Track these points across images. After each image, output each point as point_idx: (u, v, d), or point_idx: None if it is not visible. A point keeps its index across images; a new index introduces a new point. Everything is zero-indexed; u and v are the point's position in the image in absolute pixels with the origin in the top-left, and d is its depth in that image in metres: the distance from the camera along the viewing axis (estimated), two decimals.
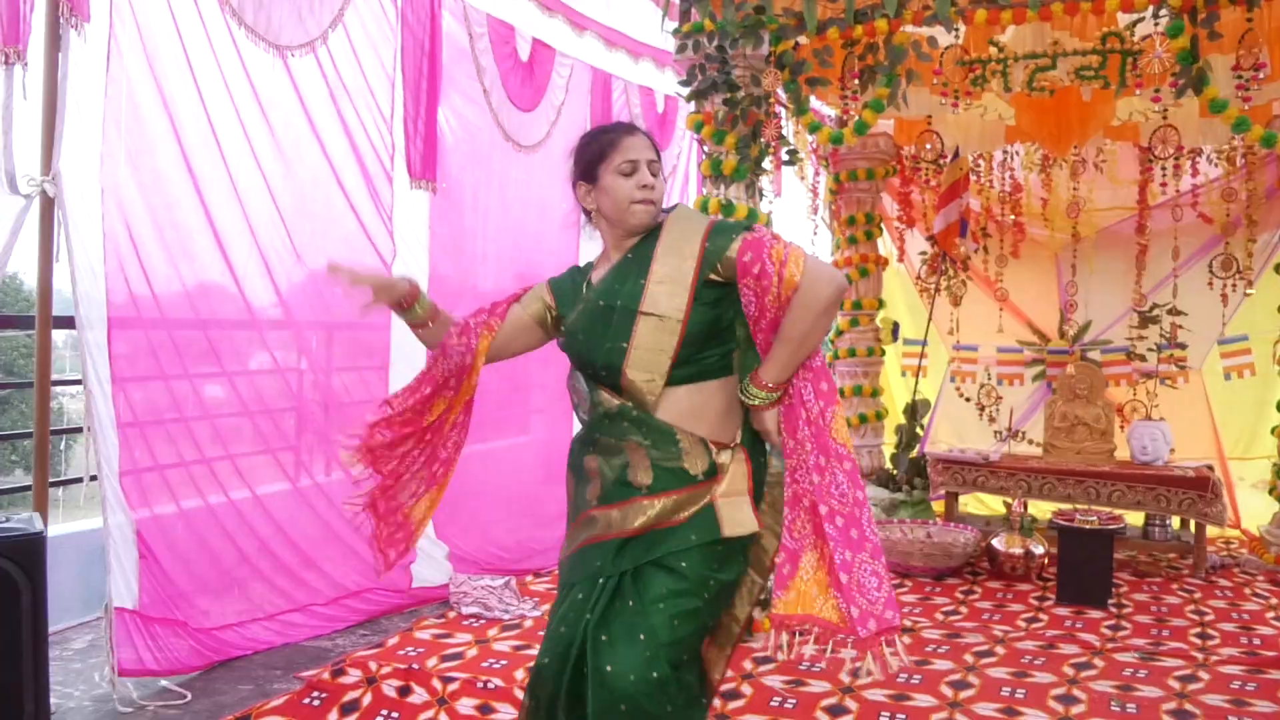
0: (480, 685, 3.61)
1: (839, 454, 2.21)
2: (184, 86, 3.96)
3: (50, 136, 3.53)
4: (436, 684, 3.61)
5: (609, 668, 2.21)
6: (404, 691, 3.60)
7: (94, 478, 3.73)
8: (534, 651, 3.96)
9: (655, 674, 2.20)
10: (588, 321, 2.38)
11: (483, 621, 4.50)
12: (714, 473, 2.31)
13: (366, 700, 3.56)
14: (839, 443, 2.21)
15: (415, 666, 3.77)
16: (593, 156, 2.38)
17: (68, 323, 3.73)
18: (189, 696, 3.73)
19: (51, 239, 3.57)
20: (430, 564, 4.98)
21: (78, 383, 3.75)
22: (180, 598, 3.97)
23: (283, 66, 4.29)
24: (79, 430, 3.88)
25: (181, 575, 3.99)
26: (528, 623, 4.46)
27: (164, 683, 3.81)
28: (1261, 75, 4.22)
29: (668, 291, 2.29)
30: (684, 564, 2.27)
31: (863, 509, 2.21)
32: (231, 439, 4.30)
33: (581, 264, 2.57)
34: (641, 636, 2.22)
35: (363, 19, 4.64)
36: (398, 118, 4.85)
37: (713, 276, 2.29)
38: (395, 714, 3.48)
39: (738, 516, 2.31)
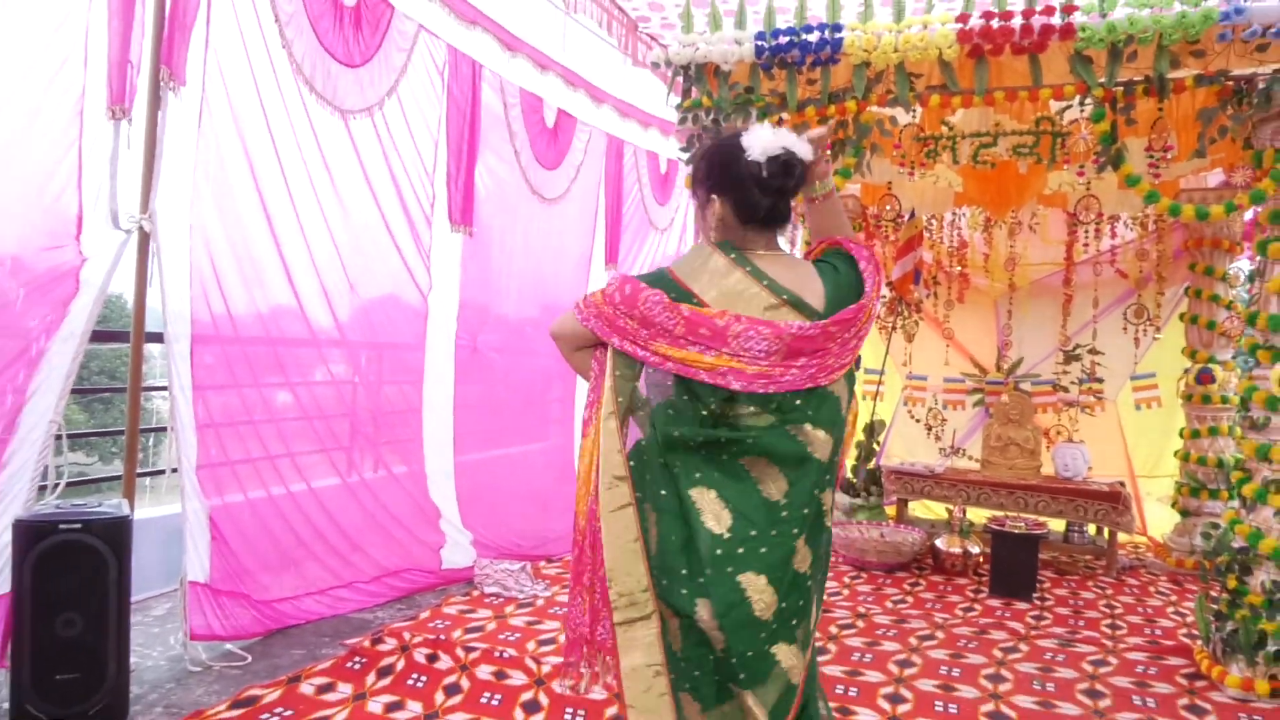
0: (497, 654, 3.59)
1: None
2: (261, 141, 3.98)
3: (148, 181, 3.55)
4: (460, 652, 3.60)
5: None
6: (432, 658, 3.58)
7: (175, 470, 3.73)
8: (545, 626, 3.97)
9: None
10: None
11: (501, 599, 4.48)
12: None
13: (400, 665, 3.55)
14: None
15: (442, 637, 3.75)
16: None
17: (158, 338, 3.73)
18: (249, 659, 3.71)
19: (146, 267, 3.57)
20: (457, 549, 4.97)
21: (165, 388, 3.76)
22: (245, 574, 3.95)
23: (344, 126, 4.32)
24: (164, 429, 3.87)
25: (246, 554, 3.98)
26: (539, 601, 4.44)
27: (229, 646, 3.79)
28: (1170, 156, 4.23)
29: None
30: None
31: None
32: (292, 440, 4.30)
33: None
34: None
35: (413, 89, 4.66)
36: (439, 171, 4.87)
37: None
38: (424, 677, 3.46)
39: None
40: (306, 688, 3.36)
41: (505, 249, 5.49)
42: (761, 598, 1.98)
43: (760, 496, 2.02)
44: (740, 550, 1.99)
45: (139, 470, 4.80)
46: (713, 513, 2.01)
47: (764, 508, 2.02)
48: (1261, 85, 3.74)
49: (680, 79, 4.46)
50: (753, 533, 1.99)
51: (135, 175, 3.57)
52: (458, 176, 4.92)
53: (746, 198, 2.06)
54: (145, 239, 3.56)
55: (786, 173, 2.04)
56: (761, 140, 2.02)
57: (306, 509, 4.30)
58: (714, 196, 2.10)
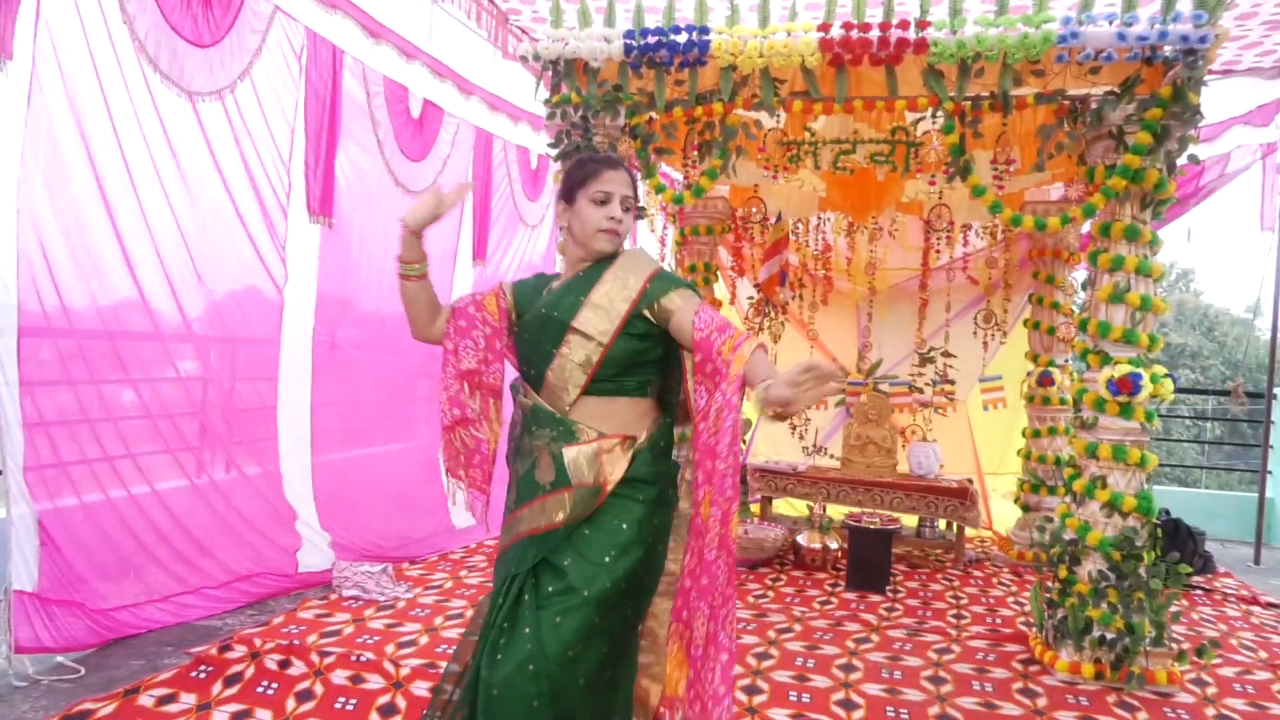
0: (354, 658, 3.53)
1: (729, 549, 1.97)
2: (100, 121, 3.77)
3: None
4: (315, 658, 3.51)
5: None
6: (284, 664, 3.48)
7: (0, 472, 3.51)
8: (405, 629, 3.92)
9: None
10: (536, 325, 2.31)
11: (361, 602, 4.39)
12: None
13: (249, 673, 3.44)
14: (731, 540, 1.97)
15: (296, 642, 3.66)
16: (574, 181, 2.31)
17: None
18: (82, 671, 3.53)
19: None
20: (315, 552, 4.84)
21: None
22: (79, 581, 3.74)
23: (191, 109, 4.14)
24: None
25: (81, 561, 3.76)
26: (401, 603, 4.38)
27: (59, 659, 3.59)
28: (1013, 169, 4.51)
29: (601, 316, 2.22)
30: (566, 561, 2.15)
31: (729, 605, 1.98)
32: (135, 440, 4.09)
33: (534, 275, 2.53)
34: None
35: (268, 73, 4.51)
36: (295, 159, 4.72)
37: (645, 314, 2.22)
38: (275, 684, 3.37)
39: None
40: (145, 699, 3.21)
41: (367, 242, 5.36)
42: None
43: None
44: None
45: None
46: None
47: None
48: (1094, 105, 4.04)
49: (550, 74, 4.47)
50: None
51: None
52: (316, 166, 4.79)
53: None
54: None
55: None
56: None
57: (149, 512, 4.10)
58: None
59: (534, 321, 2.32)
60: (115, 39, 3.78)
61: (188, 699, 3.24)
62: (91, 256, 3.81)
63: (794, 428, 6.86)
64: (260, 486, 4.72)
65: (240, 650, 3.56)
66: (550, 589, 2.11)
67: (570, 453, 2.18)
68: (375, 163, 5.25)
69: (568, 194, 2.32)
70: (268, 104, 4.53)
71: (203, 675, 3.42)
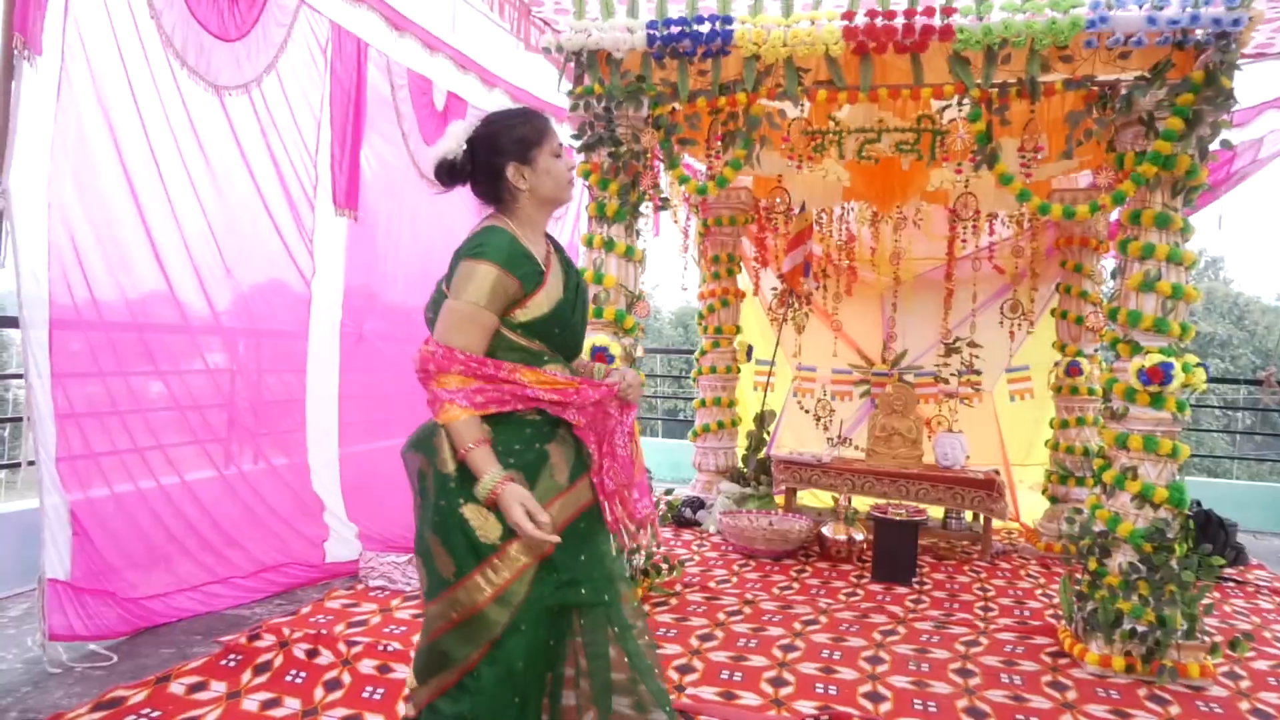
0: (381, 648, 3.55)
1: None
2: (128, 116, 3.81)
3: (1, 156, 3.36)
4: (342, 647, 3.54)
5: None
6: (312, 654, 3.51)
7: (32, 462, 3.55)
8: None
9: None
10: (582, 302, 2.24)
11: (387, 592, 4.42)
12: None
13: (278, 662, 3.46)
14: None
15: (324, 632, 3.68)
16: (529, 139, 2.17)
17: (14, 322, 3.55)
18: (115, 659, 3.57)
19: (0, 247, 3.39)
20: (342, 543, 4.87)
21: (21, 376, 3.57)
22: (110, 571, 3.79)
23: (219, 103, 4.17)
24: (21, 419, 3.68)
25: (112, 551, 3.81)
26: None
27: (92, 646, 3.63)
28: (1040, 156, 4.46)
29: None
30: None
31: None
32: (164, 431, 4.13)
33: (495, 238, 2.13)
34: None
35: (294, 66, 4.53)
36: (322, 153, 4.74)
37: None
38: (303, 673, 3.39)
39: None
40: (176, 687, 3.25)
41: (392, 234, 5.38)
42: None
43: None
44: None
45: None
46: None
47: None
48: (1124, 91, 3.98)
49: (572, 65, 4.46)
50: None
51: None
52: (342, 159, 4.81)
53: None
54: None
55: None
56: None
57: (179, 503, 4.15)
58: None
59: (568, 301, 2.19)
60: (143, 34, 3.81)
61: (218, 687, 3.27)
62: (120, 250, 3.85)
63: (818, 419, 6.84)
64: (287, 478, 4.76)
65: (269, 639, 3.59)
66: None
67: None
68: (400, 155, 5.27)
69: (522, 155, 2.16)
70: (294, 97, 4.55)
71: (232, 664, 3.45)
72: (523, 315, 2.10)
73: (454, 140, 2.17)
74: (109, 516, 3.83)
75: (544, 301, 2.12)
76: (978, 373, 6.37)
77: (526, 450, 2.11)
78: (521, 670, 2.05)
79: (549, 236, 2.28)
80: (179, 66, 3.94)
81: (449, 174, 2.19)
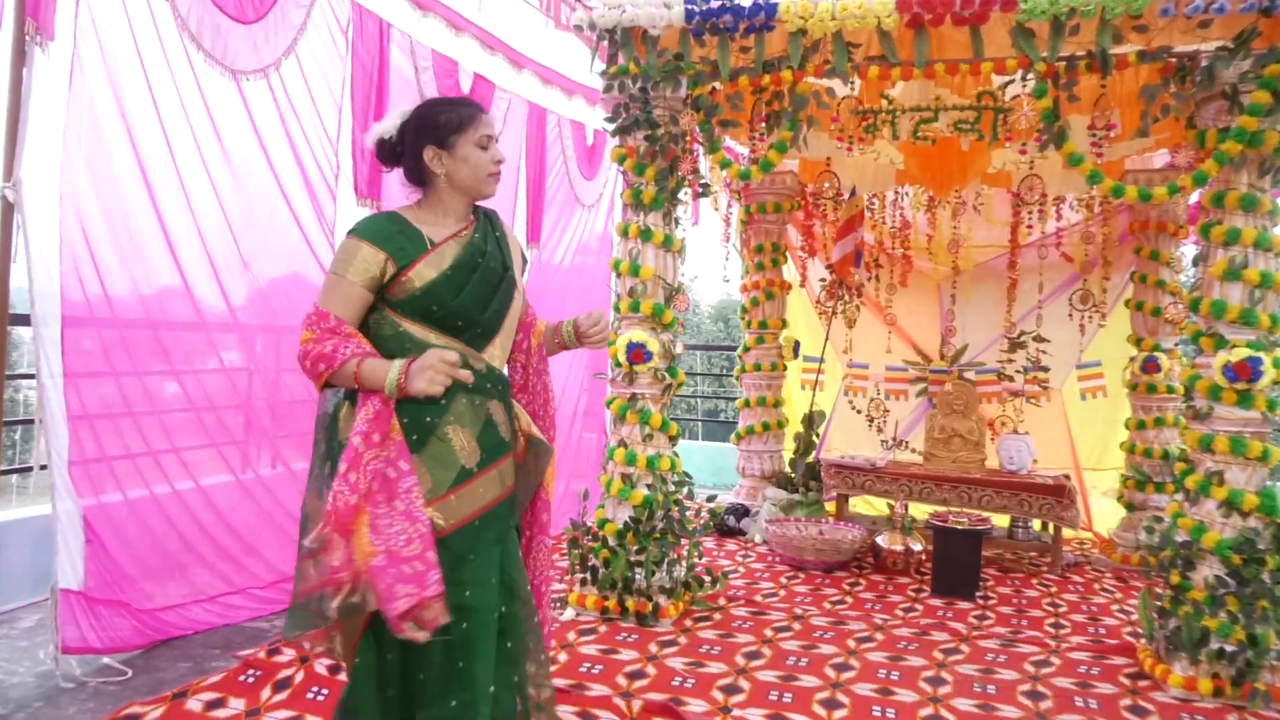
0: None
1: None
2: (142, 103, 3.86)
3: (12, 146, 3.42)
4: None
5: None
6: (334, 670, 3.53)
7: (44, 467, 3.61)
8: None
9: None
10: (477, 279, 2.28)
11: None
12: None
13: (299, 678, 3.49)
14: None
15: None
16: (451, 126, 2.28)
17: (25, 320, 3.61)
18: (129, 673, 3.62)
19: (10, 241, 3.45)
20: None
21: (33, 376, 3.63)
22: (124, 580, 3.85)
23: (236, 88, 4.21)
24: (32, 421, 3.75)
25: (126, 559, 3.87)
26: None
27: (106, 660, 3.70)
28: (1112, 135, 4.38)
29: (518, 269, 2.44)
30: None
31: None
32: (178, 433, 4.19)
33: (373, 219, 2.31)
34: None
35: (314, 49, 4.56)
36: (343, 139, 4.78)
37: None
38: (325, 690, 3.42)
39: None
40: (194, 704, 3.28)
41: None
42: None
43: None
44: None
45: (4, 467, 4.66)
46: None
47: None
48: (1204, 63, 3.89)
49: (606, 44, 4.46)
50: None
51: None
52: (364, 145, 4.84)
53: None
54: (9, 209, 3.43)
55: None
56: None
57: (194, 509, 4.20)
58: None
59: (466, 276, 2.27)
60: (157, 17, 3.86)
61: (236, 704, 3.31)
62: (134, 242, 3.91)
63: (871, 420, 6.78)
64: (307, 483, 4.79)
65: (289, 654, 3.62)
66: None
67: (517, 407, 2.47)
68: None
69: (441, 140, 2.28)
70: (314, 81, 4.59)
71: (251, 679, 3.49)
72: (399, 292, 2.22)
73: (391, 121, 2.35)
74: (123, 523, 3.89)
75: (416, 278, 2.22)
76: (1045, 369, 6.28)
77: (412, 429, 2.19)
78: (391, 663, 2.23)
79: (489, 217, 2.43)
80: (195, 50, 3.99)
81: (389, 154, 2.38)
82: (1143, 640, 4.02)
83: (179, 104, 4.00)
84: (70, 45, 3.59)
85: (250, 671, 3.53)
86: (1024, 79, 4.35)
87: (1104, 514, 6.48)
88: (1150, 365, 5.77)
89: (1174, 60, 4.06)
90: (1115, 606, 4.88)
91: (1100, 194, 5.45)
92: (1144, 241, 5.93)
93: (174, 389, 4.21)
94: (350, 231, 2.25)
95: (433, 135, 2.29)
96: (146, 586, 3.96)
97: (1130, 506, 5.87)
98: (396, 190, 5.20)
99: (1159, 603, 3.92)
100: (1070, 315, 6.32)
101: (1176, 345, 5.84)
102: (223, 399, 4.45)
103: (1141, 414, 5.86)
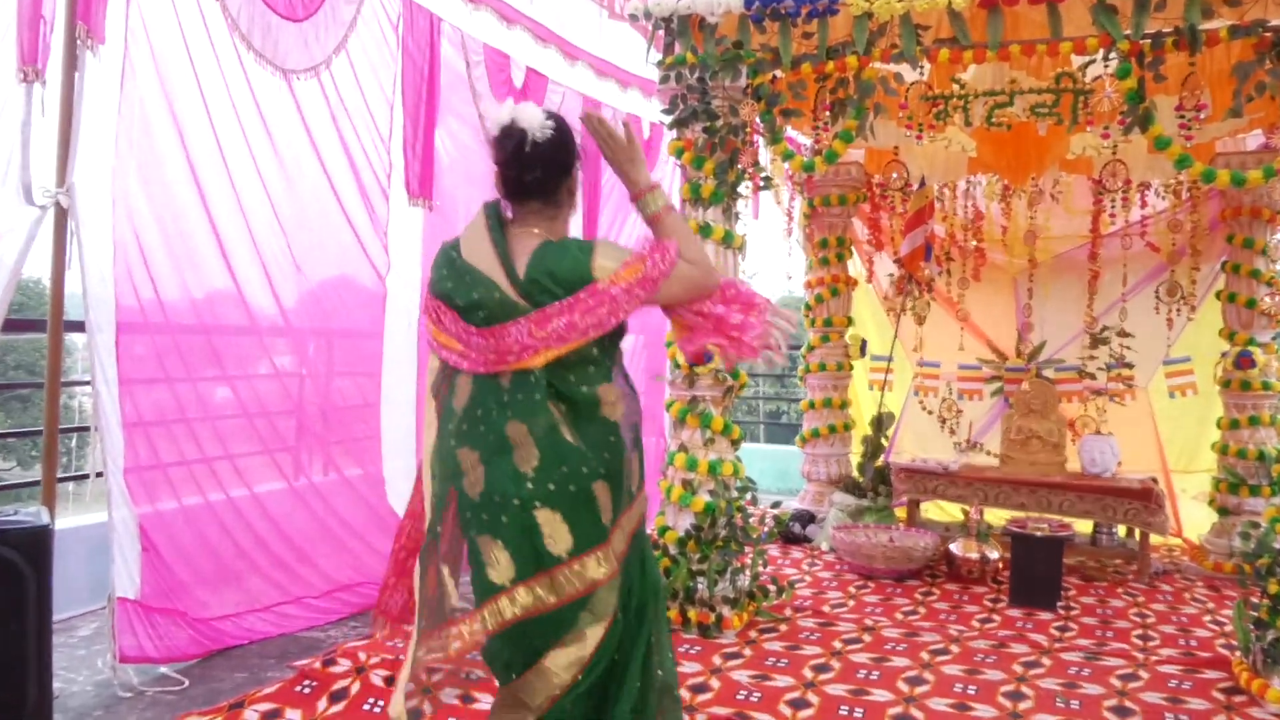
0: (464, 676, 3.59)
1: None
2: (193, 104, 3.96)
3: (65, 151, 3.52)
4: (422, 674, 3.59)
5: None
6: (390, 681, 3.57)
7: (100, 474, 3.71)
8: None
9: None
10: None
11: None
12: None
13: (355, 689, 3.54)
14: None
15: (403, 658, 3.75)
16: (578, 156, 2.30)
17: (80, 326, 3.71)
18: (186, 683, 3.71)
19: (64, 247, 3.54)
20: None
21: (88, 383, 3.73)
22: (180, 589, 3.94)
23: (287, 88, 4.29)
24: (88, 429, 3.86)
25: (182, 567, 3.97)
26: None
27: (163, 669, 3.79)
28: (1202, 115, 4.28)
29: None
30: None
31: None
32: (232, 440, 4.28)
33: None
34: None
35: (365, 46, 4.64)
36: (395, 138, 4.84)
37: None
38: (381, 702, 3.46)
39: None
40: (250, 715, 3.34)
41: None
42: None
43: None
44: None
45: (60, 475, 4.77)
46: None
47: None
48: None
49: (662, 33, 4.46)
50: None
51: (50, 145, 3.52)
52: (415, 143, 4.89)
53: (499, 171, 2.28)
54: (63, 215, 3.53)
55: (506, 140, 2.20)
56: (499, 116, 2.24)
57: (248, 517, 4.29)
58: None
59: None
60: (207, 17, 3.96)
61: (292, 715, 3.36)
62: (187, 247, 4.01)
63: (943, 421, 6.70)
64: (361, 490, 4.87)
65: (345, 664, 3.67)
66: None
67: None
68: (477, 138, 5.34)
69: (576, 166, 2.29)
70: (365, 79, 4.66)
71: (307, 690, 3.54)
72: None
73: (539, 117, 2.19)
74: (178, 531, 3.99)
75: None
76: (1130, 366, 6.15)
77: (615, 457, 2.25)
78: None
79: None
80: (245, 50, 4.07)
81: (517, 148, 2.19)
82: (1238, 653, 3.91)
83: (230, 105, 4.09)
84: (121, 48, 3.69)
85: (306, 682, 3.59)
86: (1106, 59, 4.25)
87: (1194, 519, 6.33)
88: (1244, 360, 5.64)
89: (1269, 35, 3.95)
90: (1207, 617, 4.76)
91: (1189, 179, 5.34)
92: (1236, 229, 5.79)
93: (226, 394, 4.30)
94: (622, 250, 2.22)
95: (578, 157, 2.27)
96: (202, 595, 4.05)
97: (1223, 511, 5.74)
98: (449, 190, 5.25)
99: (1255, 613, 3.81)
100: (1156, 308, 6.19)
101: (1274, 339, 5.70)
102: (275, 404, 4.55)
103: (1235, 413, 5.73)
